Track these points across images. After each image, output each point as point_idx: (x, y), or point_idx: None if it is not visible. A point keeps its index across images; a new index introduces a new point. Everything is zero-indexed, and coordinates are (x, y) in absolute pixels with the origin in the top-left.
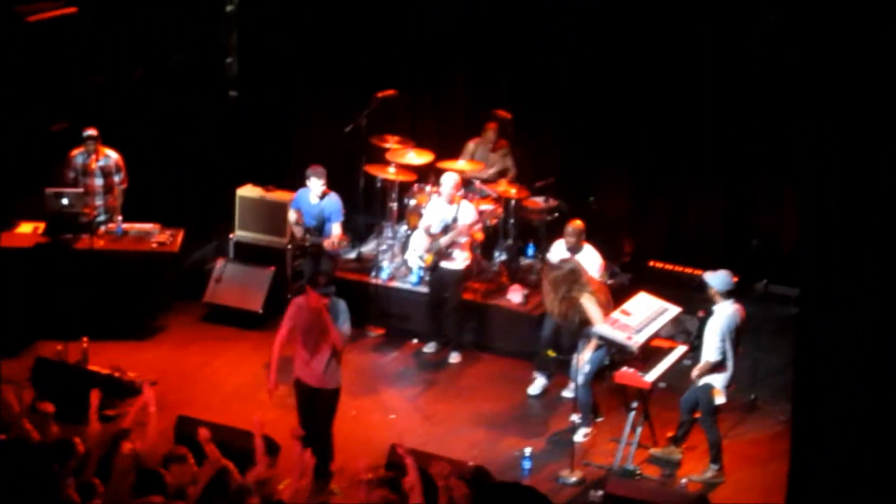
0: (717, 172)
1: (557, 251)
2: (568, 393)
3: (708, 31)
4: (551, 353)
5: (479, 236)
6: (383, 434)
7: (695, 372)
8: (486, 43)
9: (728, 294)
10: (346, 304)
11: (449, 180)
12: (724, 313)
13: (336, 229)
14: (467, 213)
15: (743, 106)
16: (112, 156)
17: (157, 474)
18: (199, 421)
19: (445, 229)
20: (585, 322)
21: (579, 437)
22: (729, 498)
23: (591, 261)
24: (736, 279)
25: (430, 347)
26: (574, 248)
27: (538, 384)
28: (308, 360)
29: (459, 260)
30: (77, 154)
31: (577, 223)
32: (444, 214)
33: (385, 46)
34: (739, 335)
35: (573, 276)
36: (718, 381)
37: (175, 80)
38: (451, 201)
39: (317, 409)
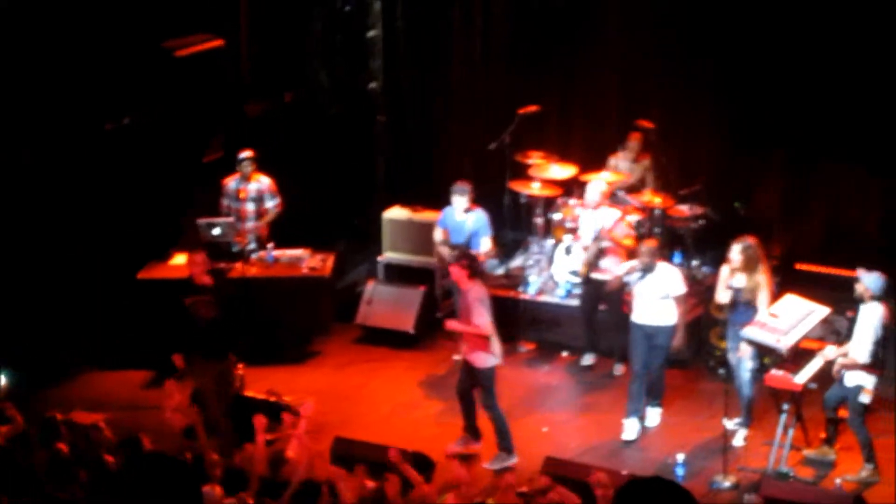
0: (872, 171)
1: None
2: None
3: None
4: None
5: (629, 242)
6: (538, 448)
7: (836, 367)
8: (630, 51)
9: (879, 296)
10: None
11: (594, 188)
12: (875, 314)
13: (485, 244)
14: (609, 217)
15: None
16: (264, 181)
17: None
18: (356, 442)
19: (596, 239)
20: (752, 302)
21: (739, 440)
22: (886, 497)
23: (669, 277)
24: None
25: (587, 360)
26: (648, 268)
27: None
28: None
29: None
30: (230, 181)
31: (651, 243)
32: (594, 224)
33: (528, 61)
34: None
35: (758, 254)
36: (869, 381)
37: (322, 106)
38: (597, 209)
39: (474, 383)
